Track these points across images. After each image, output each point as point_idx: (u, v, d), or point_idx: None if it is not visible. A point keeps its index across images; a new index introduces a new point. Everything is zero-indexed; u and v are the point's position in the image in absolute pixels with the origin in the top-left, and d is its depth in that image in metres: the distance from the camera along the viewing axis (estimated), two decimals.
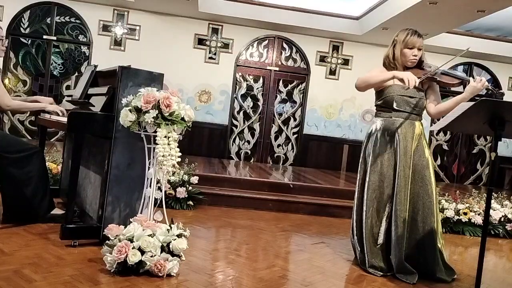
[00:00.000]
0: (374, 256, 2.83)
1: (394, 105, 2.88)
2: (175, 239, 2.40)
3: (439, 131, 8.33)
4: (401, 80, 2.74)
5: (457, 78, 2.81)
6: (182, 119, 2.51)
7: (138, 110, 2.46)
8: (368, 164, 2.91)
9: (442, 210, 4.48)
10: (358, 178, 3.02)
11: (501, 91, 2.89)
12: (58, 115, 3.09)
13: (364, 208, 2.87)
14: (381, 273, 2.78)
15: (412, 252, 2.83)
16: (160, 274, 2.31)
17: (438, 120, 2.51)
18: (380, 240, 2.85)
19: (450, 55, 8.10)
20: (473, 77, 2.70)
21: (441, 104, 2.89)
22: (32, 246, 2.61)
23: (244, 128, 8.16)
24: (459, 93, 2.79)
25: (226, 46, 8.03)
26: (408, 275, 2.74)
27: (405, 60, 2.88)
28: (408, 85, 2.68)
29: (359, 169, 3.03)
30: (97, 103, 2.86)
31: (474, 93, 2.64)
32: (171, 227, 2.46)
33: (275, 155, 8.25)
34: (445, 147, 8.66)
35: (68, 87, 7.66)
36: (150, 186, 2.56)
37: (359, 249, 2.93)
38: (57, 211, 3.16)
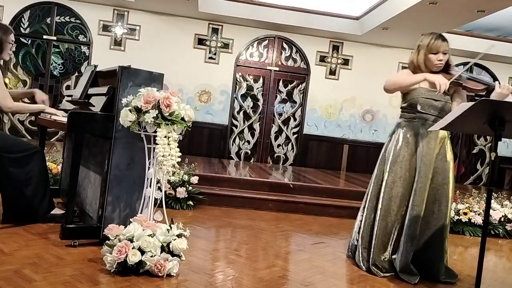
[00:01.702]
0: (380, 255, 2.83)
1: (419, 108, 2.86)
2: (175, 239, 2.40)
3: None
4: (433, 83, 2.71)
5: (482, 84, 2.76)
6: (182, 119, 2.51)
7: (138, 110, 2.46)
8: (388, 163, 2.89)
9: None
10: (373, 177, 3.01)
11: None
12: (56, 115, 3.08)
13: (379, 207, 2.86)
14: (382, 274, 2.78)
15: (421, 252, 2.83)
16: (160, 274, 2.31)
17: None
18: (391, 240, 2.85)
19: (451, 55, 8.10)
20: (499, 82, 2.65)
21: None
22: (32, 246, 2.61)
23: (244, 128, 8.16)
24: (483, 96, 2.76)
25: (226, 46, 8.03)
26: (411, 276, 2.75)
27: (431, 65, 2.85)
28: (438, 89, 2.67)
29: (376, 168, 3.01)
30: (97, 103, 2.86)
31: (501, 99, 2.55)
32: (171, 227, 2.46)
33: (275, 155, 8.25)
34: None
35: (68, 87, 7.66)
36: (150, 186, 2.56)
37: (365, 246, 2.92)
38: (57, 211, 3.16)
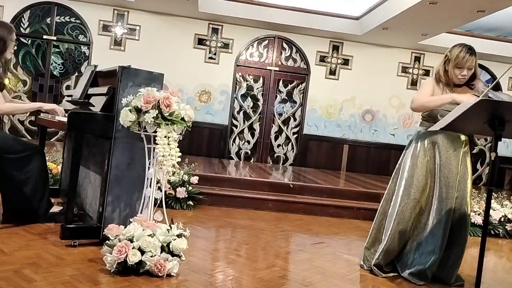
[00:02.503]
0: (388, 259, 2.83)
1: (439, 118, 2.82)
2: (175, 239, 2.40)
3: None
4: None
5: None
6: (182, 119, 2.51)
7: (138, 110, 2.46)
8: (405, 170, 2.89)
9: None
10: (390, 183, 3.01)
11: None
12: (56, 113, 3.05)
13: (395, 213, 2.84)
14: (384, 275, 2.79)
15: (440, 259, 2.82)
16: (160, 274, 2.31)
17: None
18: (403, 244, 2.84)
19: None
20: None
21: None
22: (32, 246, 2.61)
23: (244, 128, 8.15)
24: None
25: (226, 46, 8.03)
26: (421, 280, 2.74)
27: (454, 78, 2.84)
28: None
29: (394, 172, 3.01)
30: (97, 103, 2.86)
31: None
32: (171, 227, 2.46)
33: (275, 155, 8.25)
34: None
35: (68, 87, 7.66)
36: (150, 186, 2.56)
37: (367, 247, 2.94)
38: (55, 208, 3.17)
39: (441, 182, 2.81)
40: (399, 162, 3.02)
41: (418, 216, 2.86)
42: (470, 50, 2.80)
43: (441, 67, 2.89)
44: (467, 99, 2.64)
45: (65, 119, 2.75)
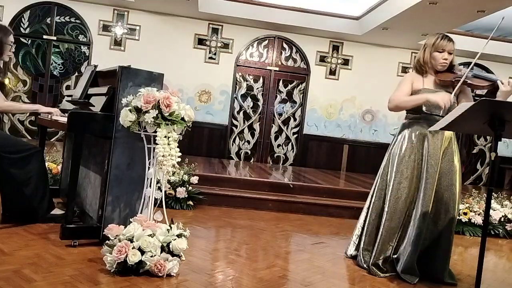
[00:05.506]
0: (382, 256, 2.82)
1: (424, 109, 2.87)
2: (175, 239, 2.40)
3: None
4: (436, 104, 2.72)
5: (487, 80, 2.78)
6: (182, 119, 2.51)
7: (138, 110, 2.46)
8: (394, 165, 2.89)
9: None
10: (378, 178, 3.00)
11: None
12: (51, 114, 3.08)
13: (386, 209, 2.85)
14: (382, 274, 2.78)
15: (427, 253, 2.83)
16: (160, 274, 2.31)
17: None
18: (395, 240, 2.84)
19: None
20: (501, 81, 2.63)
21: None
22: (32, 246, 2.61)
23: (244, 128, 8.16)
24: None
25: (226, 46, 8.03)
26: (412, 276, 2.74)
27: (435, 64, 2.87)
28: (444, 109, 2.71)
29: (381, 170, 3.00)
30: (97, 103, 2.86)
31: (507, 97, 2.59)
32: (171, 227, 2.46)
33: (275, 155, 8.25)
34: None
35: (68, 87, 7.66)
36: (150, 186, 2.56)
37: (367, 248, 2.91)
38: (57, 211, 3.16)
39: (428, 173, 2.80)
40: (386, 156, 3.00)
41: (408, 210, 2.85)
42: (447, 37, 2.88)
43: (421, 55, 2.94)
44: (441, 99, 2.70)
45: (64, 119, 2.75)
